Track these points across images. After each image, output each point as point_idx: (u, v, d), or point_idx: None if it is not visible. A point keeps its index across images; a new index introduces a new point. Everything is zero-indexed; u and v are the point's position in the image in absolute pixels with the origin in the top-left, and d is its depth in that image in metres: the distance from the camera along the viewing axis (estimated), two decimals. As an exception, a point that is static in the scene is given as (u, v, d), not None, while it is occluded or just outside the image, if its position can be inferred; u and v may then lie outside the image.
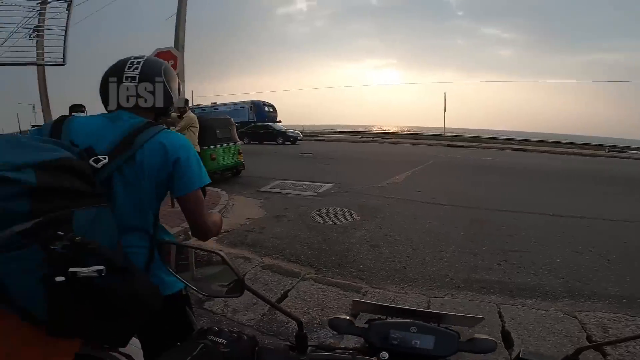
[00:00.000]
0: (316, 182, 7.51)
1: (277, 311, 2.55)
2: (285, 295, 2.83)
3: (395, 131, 24.85)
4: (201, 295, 0.91)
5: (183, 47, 6.09)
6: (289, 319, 2.56)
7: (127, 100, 1.01)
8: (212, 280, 0.83)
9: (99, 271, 0.68)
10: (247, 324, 2.51)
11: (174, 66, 5.13)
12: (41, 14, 6.64)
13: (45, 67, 8.18)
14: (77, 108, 4.48)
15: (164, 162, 0.97)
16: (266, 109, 23.69)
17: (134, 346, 1.72)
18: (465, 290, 2.92)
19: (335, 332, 0.74)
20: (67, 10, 6.77)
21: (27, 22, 7.07)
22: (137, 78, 1.00)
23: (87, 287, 0.68)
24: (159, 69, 1.06)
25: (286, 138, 19.09)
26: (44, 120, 9.45)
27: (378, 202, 5.72)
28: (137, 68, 1.02)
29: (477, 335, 0.71)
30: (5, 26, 6.64)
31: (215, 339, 0.73)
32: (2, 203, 0.63)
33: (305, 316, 2.54)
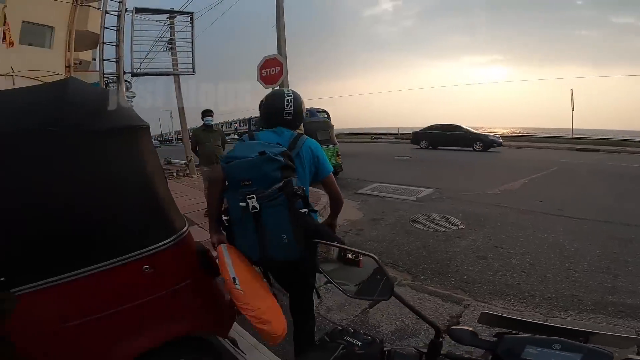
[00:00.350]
0: (415, 186, 7.30)
1: (369, 314, 2.70)
2: (377, 301, 2.89)
3: (505, 133, 21.38)
4: (346, 295, 0.88)
5: (285, 54, 6.73)
6: (380, 323, 2.64)
7: (285, 123, 1.74)
8: (355, 280, 0.88)
9: (305, 210, 1.50)
10: (339, 323, 2.64)
11: (280, 72, 5.73)
12: (171, 27, 8.21)
13: (180, 76, 9.84)
14: (207, 113, 5.45)
15: (312, 158, 1.71)
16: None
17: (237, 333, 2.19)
18: (595, 313, 2.50)
19: (456, 343, 0.73)
20: (189, 23, 8.14)
21: (162, 36, 8.61)
22: (291, 114, 1.73)
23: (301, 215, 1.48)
24: (300, 104, 1.78)
25: (488, 144, 14.69)
26: (180, 123, 11.55)
27: (487, 210, 5.23)
28: (290, 106, 1.72)
29: (631, 357, 0.64)
30: (146, 40, 8.38)
31: (351, 340, 0.80)
32: (272, 173, 1.41)
33: (397, 322, 2.56)
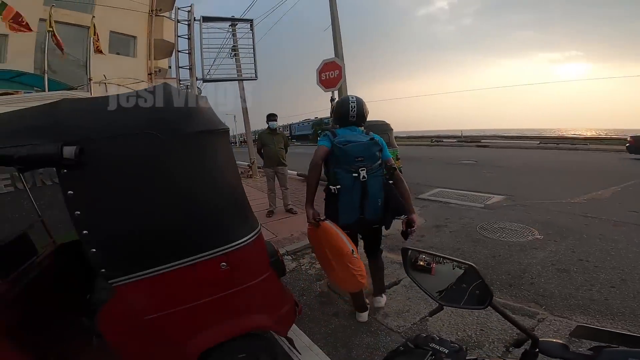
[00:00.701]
0: (483, 192, 6.89)
1: (428, 322, 2.64)
2: (440, 308, 2.81)
3: (590, 135, 18.26)
4: (438, 303, 0.92)
5: (342, 57, 6.88)
6: (439, 333, 2.59)
7: (352, 123, 2.37)
8: (432, 288, 0.91)
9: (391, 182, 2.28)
10: (396, 330, 2.62)
11: (339, 75, 5.89)
12: (233, 34, 8.81)
13: (244, 82, 10.37)
14: (272, 117, 5.84)
15: (380, 146, 2.29)
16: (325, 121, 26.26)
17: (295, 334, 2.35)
18: None
19: (547, 357, 0.71)
20: (250, 30, 8.65)
21: (225, 43, 9.21)
22: (355, 116, 2.34)
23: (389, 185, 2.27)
24: (362, 107, 2.38)
25: None
26: (245, 127, 12.27)
27: (570, 220, 4.75)
28: (354, 110, 2.33)
29: None
30: (212, 48, 8.94)
31: (437, 347, 0.79)
32: (376, 153, 2.21)
33: (459, 333, 2.48)
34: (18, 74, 8.93)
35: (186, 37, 8.55)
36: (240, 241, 1.63)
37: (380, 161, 2.24)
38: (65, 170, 1.32)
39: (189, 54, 8.52)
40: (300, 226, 5.25)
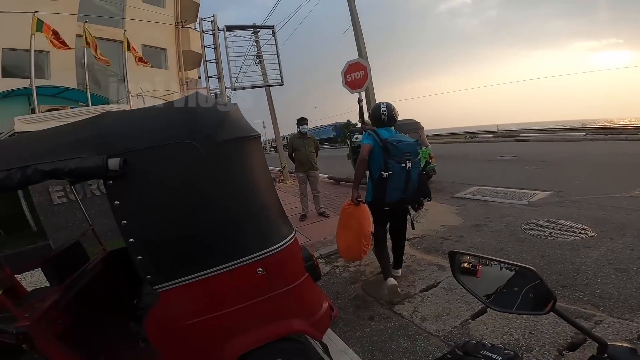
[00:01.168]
0: (526, 189, 6.54)
1: (470, 326, 2.55)
2: (483, 311, 2.70)
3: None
4: (490, 308, 0.88)
5: (366, 57, 6.86)
6: (483, 337, 2.50)
7: (385, 125, 3.05)
8: (480, 292, 0.87)
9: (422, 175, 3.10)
10: (435, 334, 2.55)
11: (365, 76, 5.87)
12: (257, 42, 8.97)
13: (270, 87, 10.62)
14: (302, 121, 5.94)
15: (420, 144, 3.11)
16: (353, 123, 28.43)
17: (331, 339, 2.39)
18: None
19: None
20: (272, 36, 8.78)
21: (250, 51, 9.37)
22: (386, 118, 3.04)
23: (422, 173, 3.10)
24: (391, 110, 3.06)
25: None
26: (274, 132, 12.44)
27: (627, 216, 4.39)
28: (385, 114, 3.03)
29: None
30: (238, 56, 9.13)
31: (489, 354, 0.76)
32: (417, 150, 2.97)
33: (505, 337, 2.39)
34: (63, 90, 9.48)
35: (212, 46, 8.84)
36: (275, 247, 1.66)
37: (419, 156, 3.02)
38: (111, 182, 1.40)
39: (217, 63, 8.81)
40: (333, 229, 5.23)
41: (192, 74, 18.26)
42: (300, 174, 6.07)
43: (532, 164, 9.45)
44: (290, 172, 9.81)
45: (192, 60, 15.49)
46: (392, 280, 3.10)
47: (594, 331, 2.25)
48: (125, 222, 1.43)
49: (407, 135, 8.14)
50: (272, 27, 9.80)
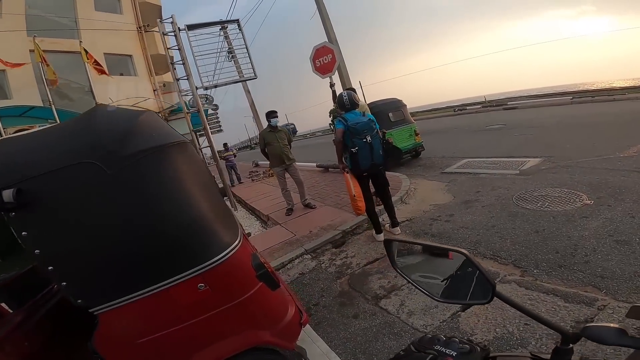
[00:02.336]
0: (516, 157, 6.29)
1: (460, 319, 2.32)
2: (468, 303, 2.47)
3: (627, 85, 15.62)
4: (434, 300, 0.80)
5: (336, 40, 6.52)
6: (474, 330, 2.24)
7: (349, 109, 3.76)
8: (444, 274, 0.78)
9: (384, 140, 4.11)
10: (422, 330, 2.36)
11: (333, 59, 5.50)
12: (226, 37, 8.49)
13: (247, 82, 10.40)
14: (272, 114, 5.58)
15: (374, 121, 3.72)
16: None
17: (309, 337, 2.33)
18: None
19: (598, 344, 0.62)
20: (239, 30, 8.35)
21: (219, 47, 8.94)
22: (349, 104, 3.77)
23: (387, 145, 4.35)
24: (352, 97, 3.81)
25: None
26: (257, 128, 12.20)
27: (623, 178, 4.15)
28: (347, 101, 3.77)
29: None
30: (207, 54, 8.55)
31: (443, 349, 0.73)
32: (374, 126, 3.67)
33: (498, 329, 2.16)
34: (28, 109, 9.09)
35: (176, 48, 8.39)
36: (215, 260, 1.53)
37: (376, 130, 3.70)
38: (12, 214, 1.32)
39: (183, 64, 8.37)
40: (319, 221, 5.00)
41: (168, 77, 17.68)
42: (277, 169, 5.79)
43: (522, 130, 9.17)
44: (265, 169, 9.47)
45: (164, 63, 14.92)
46: (380, 237, 4.00)
47: (596, 319, 2.06)
48: (38, 251, 1.36)
49: (391, 114, 7.93)
50: (237, 21, 9.31)
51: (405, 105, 8.51)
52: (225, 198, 9.17)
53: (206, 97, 23.46)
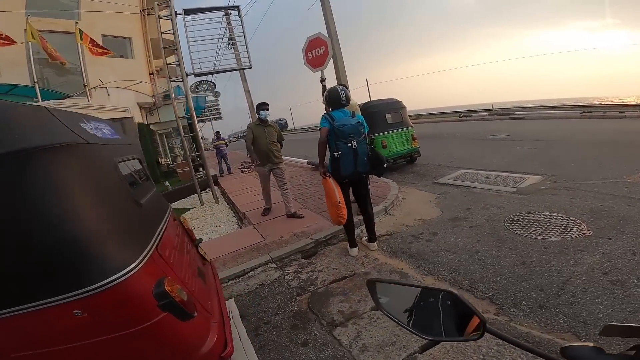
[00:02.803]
0: (516, 172, 5.96)
1: None
2: (435, 343, 2.16)
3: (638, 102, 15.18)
4: (424, 339, 0.76)
5: (336, 34, 6.23)
6: None
7: (342, 106, 3.46)
8: (433, 318, 0.77)
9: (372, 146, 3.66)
10: None
11: (326, 52, 5.16)
12: (228, 24, 8.21)
13: (248, 73, 10.20)
14: (262, 106, 5.14)
15: (363, 125, 3.43)
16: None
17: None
18: None
19: None
20: (239, 17, 8.06)
21: (216, 34, 8.71)
22: (346, 101, 3.45)
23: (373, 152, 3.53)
24: (347, 94, 3.49)
25: None
26: (251, 117, 11.91)
27: (629, 207, 3.83)
28: (344, 96, 3.44)
29: None
30: (203, 40, 8.43)
31: None
32: (362, 130, 3.39)
33: None
34: (12, 87, 9.04)
35: (170, 32, 8.12)
36: (93, 287, 1.28)
37: (364, 134, 3.41)
38: None
39: (175, 49, 8.11)
40: (293, 226, 4.70)
41: (170, 61, 17.44)
42: (261, 169, 5.23)
43: (526, 143, 8.81)
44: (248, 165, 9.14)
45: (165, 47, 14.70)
46: (354, 251, 3.71)
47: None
48: None
49: (388, 115, 7.59)
50: (237, 8, 9.00)
51: (405, 107, 8.18)
52: (207, 190, 8.95)
53: (208, 84, 23.23)
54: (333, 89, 3.52)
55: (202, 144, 8.66)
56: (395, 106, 7.94)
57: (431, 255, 3.38)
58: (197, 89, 21.31)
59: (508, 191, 5.00)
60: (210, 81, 22.71)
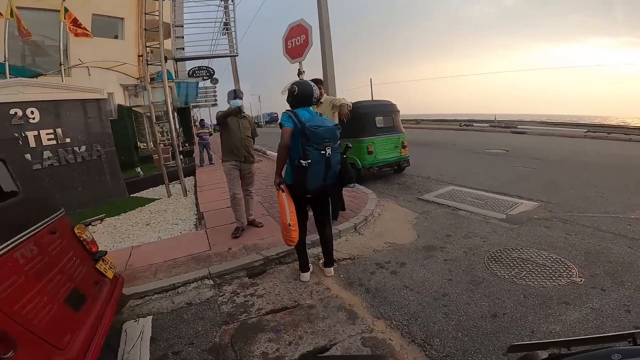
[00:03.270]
0: (509, 195, 5.47)
1: None
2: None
3: None
4: None
5: (328, 26, 5.76)
6: None
7: (311, 104, 2.98)
8: None
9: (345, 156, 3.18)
10: None
11: (306, 41, 4.64)
12: (226, 8, 7.72)
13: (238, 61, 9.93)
14: (235, 93, 4.44)
15: (340, 128, 2.93)
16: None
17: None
18: None
19: None
20: (231, 1, 7.62)
21: (207, 18, 8.33)
22: (317, 98, 3.02)
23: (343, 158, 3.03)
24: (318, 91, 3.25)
25: None
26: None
27: (630, 251, 3.34)
28: (316, 93, 2.97)
29: None
30: (207, 24, 8.07)
31: None
32: (338, 135, 2.84)
33: None
34: None
35: (156, 14, 7.68)
36: None
37: (339, 141, 2.88)
38: None
39: (158, 31, 7.67)
40: (247, 238, 4.21)
41: (167, 44, 17.08)
42: (229, 165, 4.31)
43: (524, 161, 8.32)
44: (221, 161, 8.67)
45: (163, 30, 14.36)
46: (305, 277, 3.25)
47: None
48: None
49: (379, 118, 7.07)
50: None
51: (398, 112, 7.64)
52: (177, 181, 8.45)
53: (207, 70, 22.64)
54: (306, 83, 2.98)
55: (175, 132, 8.14)
56: (387, 109, 7.42)
57: (391, 292, 2.89)
58: (195, 74, 20.78)
59: (496, 217, 4.51)
60: (208, 67, 22.17)
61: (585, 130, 14.10)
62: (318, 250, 3.72)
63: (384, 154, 6.92)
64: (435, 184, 6.51)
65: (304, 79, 4.77)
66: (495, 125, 18.16)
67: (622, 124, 16.74)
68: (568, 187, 5.75)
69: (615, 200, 4.94)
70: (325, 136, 2.69)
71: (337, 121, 4.32)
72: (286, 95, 3.04)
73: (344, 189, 3.36)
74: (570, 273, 2.95)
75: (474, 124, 19.61)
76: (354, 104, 7.17)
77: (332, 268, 3.32)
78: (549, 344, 0.73)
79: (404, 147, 7.25)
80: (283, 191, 2.90)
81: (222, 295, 3.12)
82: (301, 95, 2.91)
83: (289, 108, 2.94)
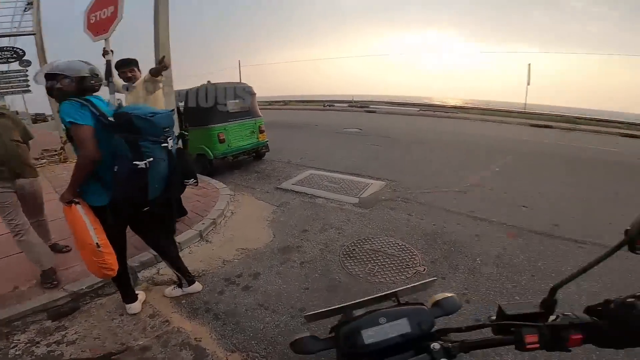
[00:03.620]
0: (362, 176, 5.74)
1: None
2: None
3: (457, 104, 20.31)
4: None
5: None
6: None
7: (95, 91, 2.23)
8: None
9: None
10: None
11: (115, 13, 3.61)
12: None
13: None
14: None
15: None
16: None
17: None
18: None
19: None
20: None
21: None
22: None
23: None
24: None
25: None
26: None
27: (459, 227, 3.78)
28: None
29: (438, 297, 0.78)
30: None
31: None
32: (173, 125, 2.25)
33: None
34: None
35: None
36: None
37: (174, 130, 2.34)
38: None
39: None
40: (63, 264, 3.09)
41: None
42: (3, 194, 2.73)
43: (375, 139, 9.13)
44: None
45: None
46: (134, 308, 2.54)
47: None
48: None
49: (230, 102, 6.37)
50: None
51: (254, 94, 7.06)
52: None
53: (13, 50, 17.18)
54: (79, 62, 2.13)
55: None
56: (245, 91, 6.78)
57: (244, 316, 2.47)
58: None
59: (350, 202, 4.59)
60: (12, 47, 16.92)
61: (418, 109, 16.93)
62: (152, 271, 3.02)
63: (238, 141, 6.33)
64: (295, 169, 6.36)
65: (110, 61, 3.64)
66: (353, 105, 19.96)
67: (443, 103, 21.03)
68: (410, 164, 6.47)
69: (446, 174, 5.81)
70: (164, 124, 2.12)
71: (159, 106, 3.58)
72: (46, 82, 2.12)
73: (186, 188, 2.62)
74: (415, 261, 3.10)
75: (336, 104, 21.26)
76: (198, 87, 6.28)
77: (196, 283, 2.83)
78: (338, 310, 0.80)
79: (261, 132, 6.81)
80: (77, 203, 2.06)
81: (13, 346, 2.17)
82: (91, 74, 2.15)
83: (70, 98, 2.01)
